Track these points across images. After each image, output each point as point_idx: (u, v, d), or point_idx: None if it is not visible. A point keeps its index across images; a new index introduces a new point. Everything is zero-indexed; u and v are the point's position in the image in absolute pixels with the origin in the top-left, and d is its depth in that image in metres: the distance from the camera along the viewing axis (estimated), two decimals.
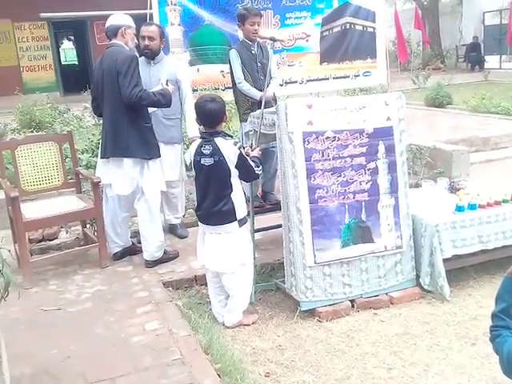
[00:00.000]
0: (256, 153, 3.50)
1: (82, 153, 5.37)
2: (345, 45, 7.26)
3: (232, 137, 3.38)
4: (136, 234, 4.27)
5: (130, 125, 3.86)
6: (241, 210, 3.27)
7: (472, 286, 3.77)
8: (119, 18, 3.98)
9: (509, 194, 3.91)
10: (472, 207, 3.79)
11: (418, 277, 3.70)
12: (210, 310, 3.48)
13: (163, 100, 3.88)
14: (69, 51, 28.57)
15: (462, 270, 3.85)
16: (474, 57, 19.32)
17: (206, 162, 3.21)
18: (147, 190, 3.95)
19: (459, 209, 3.76)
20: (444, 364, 2.91)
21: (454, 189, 4.14)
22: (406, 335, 3.20)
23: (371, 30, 7.31)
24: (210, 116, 3.25)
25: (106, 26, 3.96)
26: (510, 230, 3.80)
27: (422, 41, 17.42)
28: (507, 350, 1.74)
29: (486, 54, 20.01)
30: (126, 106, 3.79)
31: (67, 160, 4.68)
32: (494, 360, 2.81)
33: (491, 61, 20.10)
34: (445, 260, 3.60)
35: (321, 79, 7.41)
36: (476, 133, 7.51)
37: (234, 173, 3.22)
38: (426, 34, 16.84)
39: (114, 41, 3.92)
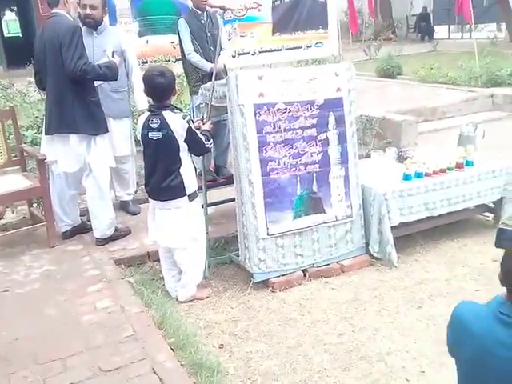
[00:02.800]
0: (207, 126, 3.45)
1: (27, 129, 5.16)
2: (297, 15, 7.24)
3: (181, 110, 3.32)
4: (85, 212, 4.17)
5: (75, 99, 3.72)
6: (191, 184, 3.24)
7: (418, 251, 3.91)
8: None
9: (453, 162, 4.04)
10: (419, 175, 3.90)
11: (367, 245, 3.80)
12: (164, 285, 3.47)
13: (109, 73, 3.75)
14: (11, 23, 27.21)
15: (409, 236, 3.98)
16: (423, 27, 19.61)
17: (154, 135, 3.14)
18: (95, 167, 3.85)
19: (406, 177, 3.86)
20: (392, 327, 3.02)
21: (401, 158, 4.23)
22: (356, 301, 3.30)
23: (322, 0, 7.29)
24: (159, 90, 3.17)
25: None
26: (455, 196, 3.95)
27: (368, 10, 17.47)
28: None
29: (436, 24, 20.35)
30: (71, 80, 3.64)
31: (10, 137, 4.49)
32: (438, 321, 2.97)
33: (440, 31, 20.48)
34: (393, 228, 3.71)
35: (273, 50, 7.37)
36: (424, 103, 7.68)
37: (183, 147, 3.17)
38: (372, 5, 16.88)
39: (55, 10, 3.73)
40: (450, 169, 4.01)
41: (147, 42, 6.58)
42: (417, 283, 3.48)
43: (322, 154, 3.66)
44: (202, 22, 4.39)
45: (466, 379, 1.63)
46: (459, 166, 4.04)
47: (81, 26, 3.84)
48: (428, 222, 3.95)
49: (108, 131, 3.96)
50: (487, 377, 1.52)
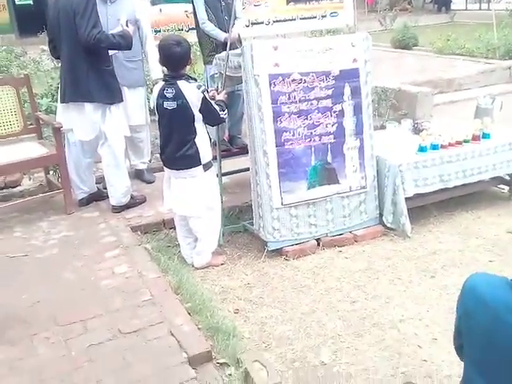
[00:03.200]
0: (222, 96, 3.44)
1: (42, 97, 5.17)
2: None
3: (196, 80, 3.30)
4: (101, 180, 4.22)
5: (89, 68, 3.72)
6: (205, 154, 3.25)
7: (432, 222, 3.92)
8: None
9: (470, 134, 4.01)
10: (434, 147, 3.88)
11: (381, 215, 3.82)
12: (179, 252, 3.53)
13: (124, 42, 3.73)
14: None
15: (423, 208, 3.98)
16: None
17: (169, 105, 3.14)
18: (110, 136, 3.87)
19: (422, 149, 3.84)
20: (405, 296, 3.06)
21: (417, 130, 4.21)
22: (369, 270, 3.33)
23: None
24: (175, 60, 3.16)
25: None
26: (470, 168, 3.93)
27: None
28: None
29: None
30: (85, 49, 3.63)
31: (26, 105, 4.51)
32: (451, 291, 3.00)
33: (457, 2, 19.98)
34: (407, 199, 3.71)
35: (287, 20, 7.27)
36: (440, 74, 7.57)
37: (198, 117, 3.17)
38: None
39: None
40: (466, 141, 3.99)
41: (160, 10, 6.51)
42: (430, 253, 3.50)
43: (336, 125, 3.64)
44: None
45: (476, 352, 1.64)
46: (476, 139, 4.00)
47: None
48: (442, 193, 3.94)
49: (123, 100, 3.97)
50: (499, 346, 1.54)
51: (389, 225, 3.78)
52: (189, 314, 2.73)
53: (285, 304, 3.01)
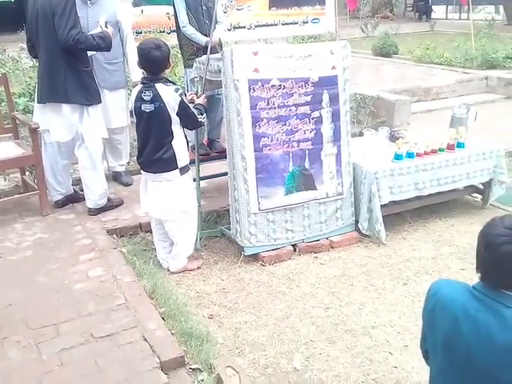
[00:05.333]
0: (201, 100, 3.45)
1: (19, 96, 5.11)
2: None
3: (174, 83, 3.30)
4: (78, 182, 4.18)
5: (67, 69, 3.69)
6: (182, 157, 3.25)
7: (407, 230, 3.98)
8: None
9: (445, 143, 4.08)
10: (410, 155, 3.94)
11: (356, 222, 3.86)
12: (155, 256, 3.52)
13: (103, 43, 3.71)
14: None
15: (398, 215, 4.05)
16: (421, 6, 19.40)
17: (147, 108, 3.14)
18: (87, 137, 3.84)
19: (397, 157, 3.90)
20: (378, 303, 3.10)
21: (394, 138, 4.26)
22: (344, 277, 3.37)
23: None
24: (154, 64, 3.15)
25: None
26: (445, 177, 4.01)
27: None
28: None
29: (434, 4, 20.13)
30: (63, 49, 3.60)
31: (3, 104, 4.46)
32: (423, 298, 3.01)
33: (438, 11, 20.28)
34: (382, 206, 3.77)
35: (269, 25, 7.30)
36: (419, 83, 7.68)
37: (175, 120, 3.18)
38: None
39: None
40: (441, 150, 4.06)
41: (142, 11, 6.48)
42: (404, 260, 3.55)
43: (314, 131, 3.68)
44: None
45: (438, 356, 1.69)
46: (450, 148, 4.08)
47: None
48: (417, 201, 4.01)
49: (101, 102, 3.94)
50: (457, 349, 1.59)
51: (364, 231, 3.83)
52: (163, 318, 2.73)
53: (259, 310, 3.03)
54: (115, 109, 4.30)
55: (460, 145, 4.12)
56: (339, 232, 3.80)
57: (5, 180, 4.41)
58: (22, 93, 5.23)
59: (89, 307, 2.80)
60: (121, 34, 4.26)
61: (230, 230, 3.66)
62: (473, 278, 1.68)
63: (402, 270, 3.44)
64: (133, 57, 4.10)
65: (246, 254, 3.53)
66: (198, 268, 3.47)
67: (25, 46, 4.35)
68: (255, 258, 3.55)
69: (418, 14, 19.61)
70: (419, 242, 3.81)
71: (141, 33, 6.12)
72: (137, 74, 4.19)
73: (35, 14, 3.67)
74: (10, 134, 4.31)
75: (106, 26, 3.77)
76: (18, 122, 4.26)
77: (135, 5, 6.29)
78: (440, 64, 9.12)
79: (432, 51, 9.70)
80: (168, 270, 3.43)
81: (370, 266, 3.49)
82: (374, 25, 13.63)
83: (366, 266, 3.49)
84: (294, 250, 3.64)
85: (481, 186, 4.33)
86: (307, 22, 7.37)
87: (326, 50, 3.69)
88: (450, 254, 3.62)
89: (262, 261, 3.52)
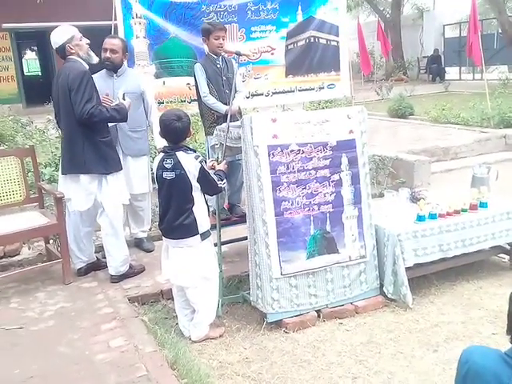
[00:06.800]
0: (222, 166, 3.51)
1: (45, 166, 5.28)
2: (309, 58, 7.37)
3: (194, 151, 3.39)
4: (100, 249, 4.22)
5: (85, 141, 3.81)
6: (203, 223, 3.27)
7: (434, 293, 3.87)
8: (56, 36, 3.81)
9: (467, 203, 4.04)
10: (432, 217, 3.90)
11: (381, 286, 3.78)
12: (177, 324, 3.46)
13: (118, 115, 3.84)
14: (32, 62, 28.05)
15: (424, 277, 3.95)
16: (434, 68, 19.88)
17: (168, 175, 3.21)
18: (107, 205, 3.91)
19: (420, 218, 3.86)
20: (407, 371, 2.97)
21: (415, 198, 4.24)
22: (371, 344, 3.25)
23: (335, 43, 7.45)
24: (175, 134, 3.26)
25: (54, 47, 3.85)
26: (469, 237, 3.93)
27: (381, 52, 17.85)
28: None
29: (447, 66, 20.64)
30: (80, 123, 3.75)
31: (29, 174, 4.60)
32: (454, 366, 2.87)
33: (451, 72, 20.76)
34: (407, 268, 3.69)
35: (286, 91, 7.49)
36: (437, 143, 7.73)
37: (196, 187, 3.23)
38: (388, 45, 17.23)
39: (68, 57, 3.87)
40: (463, 210, 4.01)
41: (164, 83, 6.73)
42: (432, 326, 3.43)
43: (335, 194, 3.69)
44: (218, 66, 4.52)
45: None
46: (473, 208, 4.03)
47: (89, 71, 3.88)
48: (443, 263, 3.92)
49: (121, 169, 4.03)
50: None
51: (390, 295, 3.73)
52: None
53: (284, 380, 2.92)
54: (138, 175, 4.40)
55: (483, 205, 4.07)
56: (364, 296, 3.71)
57: (29, 249, 4.47)
58: (48, 163, 5.41)
59: (110, 379, 2.73)
60: (145, 104, 4.44)
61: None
62: (504, 343, 1.62)
63: (431, 335, 3.32)
64: (156, 125, 4.23)
65: (268, 321, 3.45)
66: (221, 336, 3.39)
67: (51, 117, 4.57)
68: (278, 324, 3.47)
69: (431, 75, 20.05)
70: (447, 305, 3.69)
71: (163, 103, 6.33)
72: (160, 141, 4.30)
73: (57, 90, 3.86)
74: (36, 204, 4.41)
75: (123, 98, 3.93)
76: (43, 191, 4.37)
77: (157, 76, 6.54)
78: (457, 124, 9.20)
79: (448, 111, 9.82)
80: (190, 339, 3.36)
81: (398, 332, 3.37)
82: (389, 87, 13.95)
83: (394, 332, 3.37)
84: (318, 316, 3.55)
85: (507, 247, 4.23)
86: (323, 88, 7.55)
87: (343, 115, 3.76)
88: (479, 318, 3.49)
89: (286, 327, 3.43)
